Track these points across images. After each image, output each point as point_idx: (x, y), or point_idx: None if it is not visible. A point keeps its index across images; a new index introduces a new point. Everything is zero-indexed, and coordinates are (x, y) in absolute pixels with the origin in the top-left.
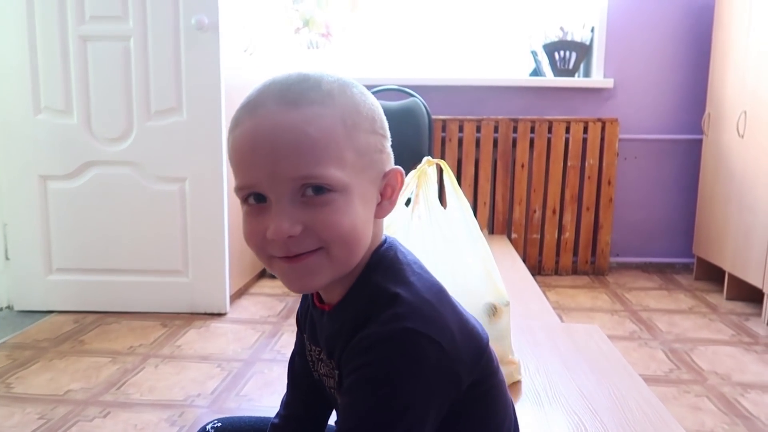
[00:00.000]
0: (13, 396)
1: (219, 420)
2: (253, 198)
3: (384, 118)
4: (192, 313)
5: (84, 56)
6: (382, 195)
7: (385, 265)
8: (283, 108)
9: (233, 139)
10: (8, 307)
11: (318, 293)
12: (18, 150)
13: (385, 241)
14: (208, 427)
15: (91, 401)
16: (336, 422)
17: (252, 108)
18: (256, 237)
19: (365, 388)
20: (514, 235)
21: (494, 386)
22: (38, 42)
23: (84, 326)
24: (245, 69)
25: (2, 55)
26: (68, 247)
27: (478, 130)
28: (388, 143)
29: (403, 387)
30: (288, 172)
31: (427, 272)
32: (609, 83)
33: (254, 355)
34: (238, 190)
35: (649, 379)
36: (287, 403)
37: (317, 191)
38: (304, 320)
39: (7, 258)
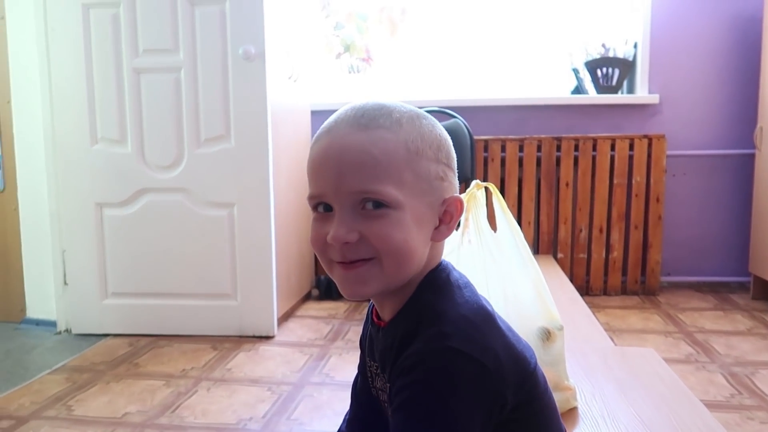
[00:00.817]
0: (74, 418)
1: None
2: (322, 207)
3: (452, 150)
4: (241, 336)
5: (137, 88)
6: (440, 220)
7: (437, 285)
8: (355, 130)
9: (311, 153)
10: (67, 330)
11: (377, 311)
12: (76, 179)
13: (440, 264)
14: None
15: (147, 424)
16: None
17: (329, 128)
18: (319, 241)
19: (410, 407)
20: (560, 255)
21: (540, 409)
22: (95, 75)
23: (138, 349)
24: (290, 95)
25: (62, 89)
26: (122, 271)
27: (521, 149)
28: (453, 174)
29: (446, 405)
30: (350, 186)
31: (477, 295)
32: (654, 99)
33: (303, 378)
34: (309, 198)
35: (709, 405)
36: (349, 420)
37: (375, 206)
38: (365, 337)
39: (65, 283)
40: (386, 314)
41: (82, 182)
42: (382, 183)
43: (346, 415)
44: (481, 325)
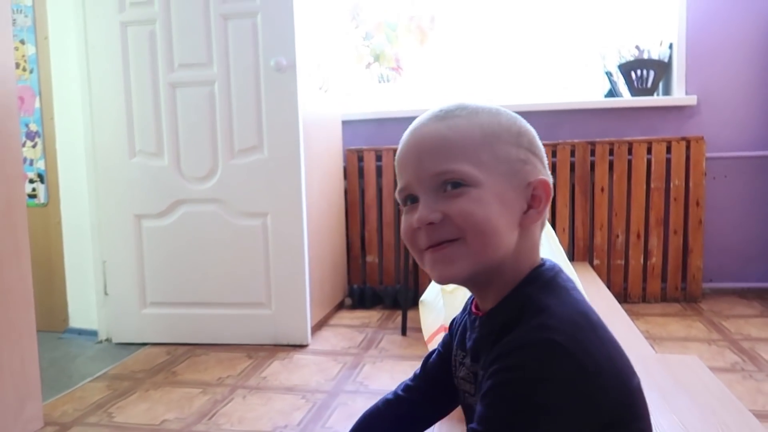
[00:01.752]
0: (115, 425)
1: None
2: (409, 200)
3: (536, 140)
4: (275, 345)
5: (173, 101)
6: (529, 204)
7: (543, 281)
8: (433, 121)
9: (397, 153)
10: (107, 340)
11: (476, 302)
12: (115, 191)
13: (545, 263)
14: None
15: (185, 431)
16: (469, 425)
17: (411, 128)
18: (408, 231)
19: (501, 391)
20: (596, 262)
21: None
22: (133, 90)
23: (176, 357)
24: (321, 106)
25: (101, 104)
26: (160, 281)
27: (554, 154)
28: (538, 161)
29: (537, 395)
30: (429, 169)
31: (585, 301)
32: (692, 100)
33: (337, 386)
34: (398, 193)
35: (758, 415)
36: (409, 387)
37: (454, 185)
38: (458, 326)
39: (106, 293)
40: (487, 304)
41: (121, 194)
42: (458, 162)
43: (402, 383)
44: (586, 329)
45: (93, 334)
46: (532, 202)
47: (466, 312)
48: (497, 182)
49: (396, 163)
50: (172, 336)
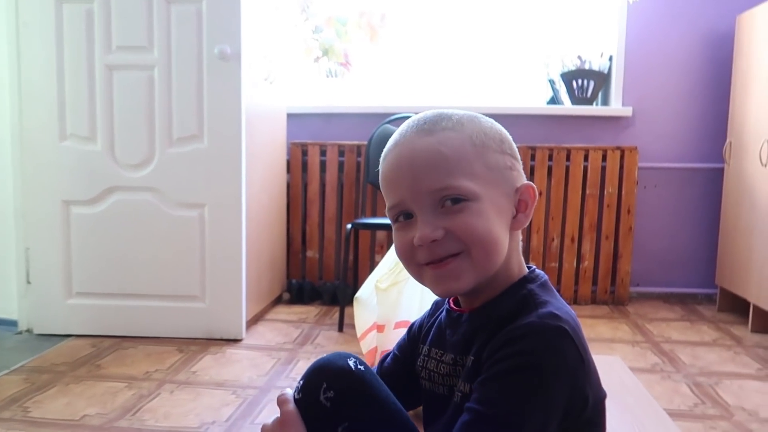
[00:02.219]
0: (30, 420)
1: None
2: (402, 216)
3: (512, 144)
4: (208, 339)
5: (110, 85)
6: (517, 209)
7: (541, 282)
8: (421, 135)
9: (383, 168)
10: (28, 330)
11: (456, 300)
12: (43, 175)
13: (534, 267)
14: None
15: (106, 427)
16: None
17: (396, 141)
18: (404, 247)
19: (513, 374)
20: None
21: None
22: (66, 70)
23: (101, 350)
24: (266, 97)
25: (31, 83)
26: (88, 271)
27: None
28: (519, 164)
29: (547, 380)
30: (427, 186)
31: (570, 308)
32: (628, 111)
33: (270, 382)
34: (389, 210)
35: (673, 414)
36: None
37: (454, 201)
38: (428, 328)
39: (28, 282)
40: (475, 302)
41: (49, 179)
42: (457, 178)
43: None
44: (580, 328)
45: (13, 324)
46: (519, 207)
47: (440, 311)
48: (492, 192)
49: (384, 179)
50: (98, 328)
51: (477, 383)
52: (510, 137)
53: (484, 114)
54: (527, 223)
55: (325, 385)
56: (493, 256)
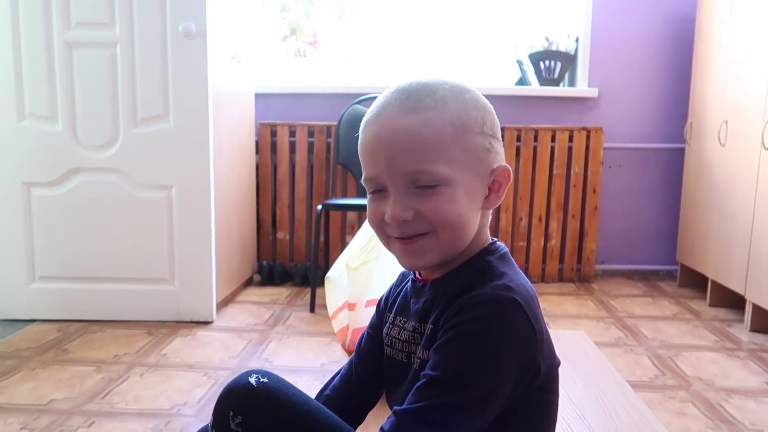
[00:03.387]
0: None
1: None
2: (377, 189)
3: (495, 120)
4: (178, 322)
5: (69, 62)
6: (490, 189)
7: (500, 254)
8: (403, 113)
9: (362, 138)
10: None
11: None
12: (1, 157)
13: (496, 240)
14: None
15: (75, 411)
16: (415, 387)
17: (378, 113)
18: (377, 219)
19: (463, 340)
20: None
21: (551, 402)
22: (23, 48)
23: (67, 335)
24: (233, 77)
25: None
26: (52, 254)
27: None
28: (498, 143)
29: (497, 347)
30: (403, 167)
31: (527, 280)
32: (593, 93)
33: (241, 363)
34: (365, 181)
35: (635, 385)
36: (344, 376)
37: (428, 183)
38: (394, 298)
39: None
40: (438, 272)
41: (8, 160)
42: (433, 162)
43: (337, 373)
44: (535, 300)
45: None
46: (493, 187)
47: (406, 281)
48: (466, 176)
49: (363, 150)
50: (64, 312)
51: (431, 350)
52: (493, 113)
53: None
54: (499, 203)
55: (231, 413)
56: (459, 238)
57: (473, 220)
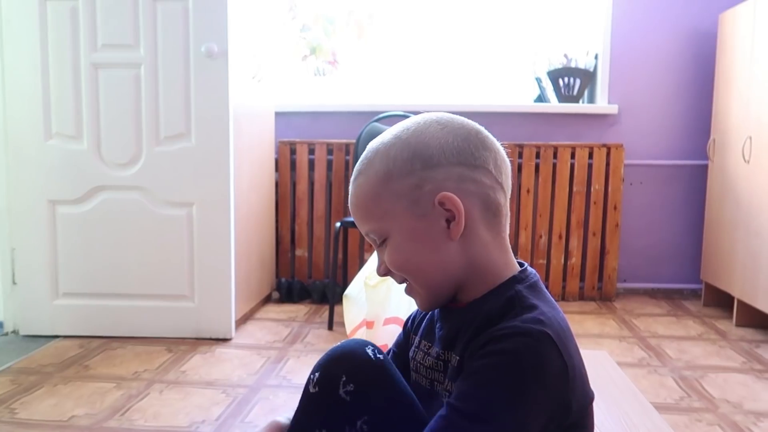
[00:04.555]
0: (17, 422)
1: (379, 350)
2: None
3: (427, 151)
4: (197, 339)
5: (95, 83)
6: (448, 220)
7: (530, 283)
8: (351, 182)
9: None
10: (14, 332)
11: None
12: (28, 175)
13: (527, 266)
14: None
15: (95, 427)
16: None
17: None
18: None
19: (490, 373)
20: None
21: None
22: (51, 68)
23: (89, 351)
24: (253, 96)
25: (15, 81)
26: (75, 271)
27: None
28: (432, 172)
29: (525, 381)
30: (361, 229)
31: (560, 309)
32: (613, 109)
33: (259, 381)
34: None
35: (659, 407)
36: None
37: (377, 241)
38: (420, 320)
39: (14, 282)
40: (466, 297)
41: (35, 178)
42: (369, 222)
43: None
44: (567, 333)
45: None
46: (449, 216)
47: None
48: (404, 221)
49: None
50: (85, 329)
51: (459, 380)
52: (432, 144)
53: (471, 112)
54: (461, 230)
55: (344, 378)
56: (428, 280)
57: (437, 257)
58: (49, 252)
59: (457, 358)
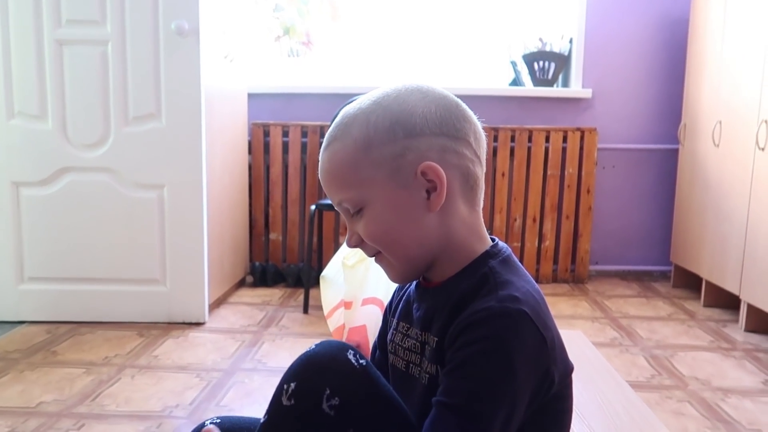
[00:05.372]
0: None
1: (219, 417)
2: None
3: (411, 119)
4: (169, 323)
5: (60, 60)
6: (428, 190)
7: (502, 258)
8: (323, 150)
9: None
10: None
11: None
12: None
13: (497, 242)
14: (207, 422)
15: (64, 413)
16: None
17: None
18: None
19: (477, 360)
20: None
21: (567, 409)
22: (12, 45)
23: (57, 337)
24: (225, 76)
25: None
26: (41, 255)
27: None
28: (414, 141)
29: (512, 363)
30: (333, 198)
31: (534, 282)
32: (587, 93)
33: (234, 364)
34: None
35: (632, 385)
36: None
37: (354, 209)
38: (398, 302)
39: None
40: (438, 275)
41: None
42: (345, 190)
43: None
44: (543, 305)
45: None
46: (430, 187)
47: (409, 285)
48: (384, 190)
49: None
50: (53, 314)
51: (443, 374)
52: (415, 112)
53: None
54: (442, 201)
55: (328, 392)
56: (404, 252)
57: (415, 229)
58: (13, 235)
59: (435, 339)
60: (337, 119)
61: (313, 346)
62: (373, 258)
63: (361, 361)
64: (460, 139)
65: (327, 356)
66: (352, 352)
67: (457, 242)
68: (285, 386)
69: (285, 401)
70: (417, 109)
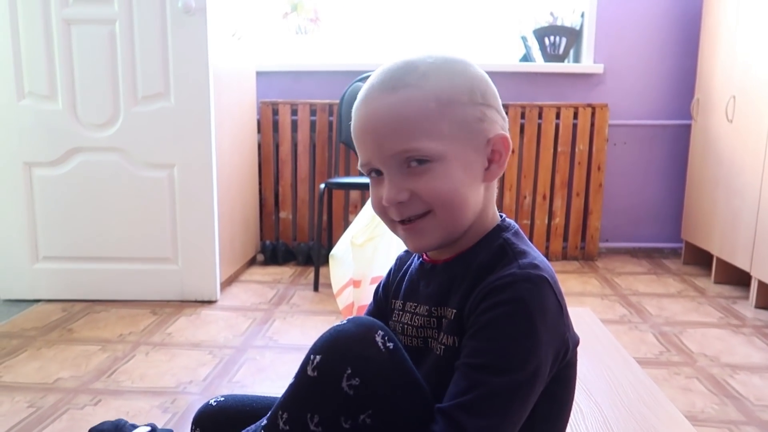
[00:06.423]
0: (2, 385)
1: (223, 396)
2: (374, 172)
3: (488, 88)
4: (182, 301)
5: (68, 40)
6: (490, 160)
7: (514, 230)
8: (384, 94)
9: (352, 126)
10: None
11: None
12: (1, 137)
13: (504, 216)
14: (212, 401)
15: (81, 389)
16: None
17: (363, 97)
18: (377, 204)
19: (502, 322)
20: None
21: (573, 376)
22: (20, 26)
23: (72, 315)
24: (233, 54)
25: None
26: (55, 235)
27: None
28: (495, 111)
29: (536, 326)
30: (391, 148)
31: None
32: (599, 69)
33: (246, 341)
34: (361, 167)
35: (640, 362)
36: None
37: (419, 162)
38: (398, 283)
39: None
40: (447, 253)
41: (8, 140)
42: (419, 139)
43: None
44: (556, 277)
45: None
46: (493, 157)
47: (409, 264)
48: (459, 150)
49: (353, 137)
50: (67, 292)
51: (466, 338)
52: (484, 80)
53: None
54: (501, 174)
55: (349, 371)
56: (460, 216)
57: (473, 194)
58: (26, 215)
59: (454, 311)
60: (402, 66)
61: (344, 321)
62: (412, 220)
63: (388, 344)
64: (501, 113)
65: (354, 336)
66: (381, 333)
67: (481, 215)
68: (312, 357)
69: (310, 372)
70: (483, 79)
